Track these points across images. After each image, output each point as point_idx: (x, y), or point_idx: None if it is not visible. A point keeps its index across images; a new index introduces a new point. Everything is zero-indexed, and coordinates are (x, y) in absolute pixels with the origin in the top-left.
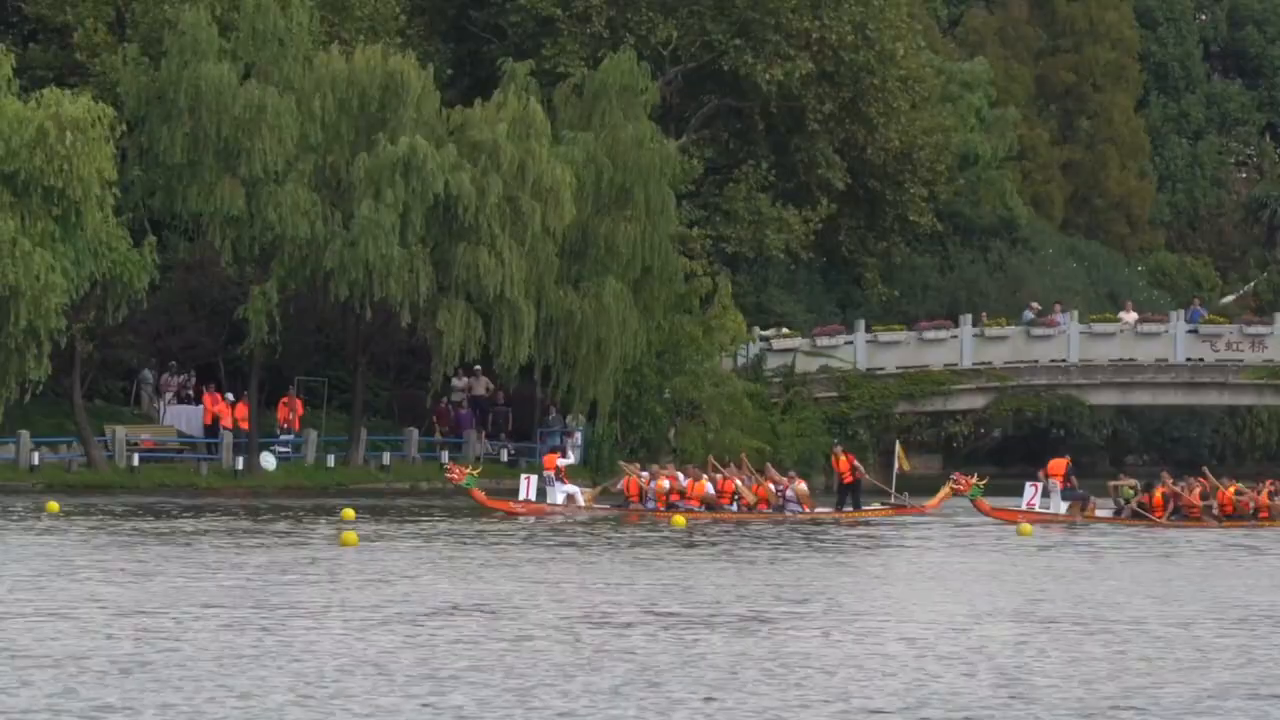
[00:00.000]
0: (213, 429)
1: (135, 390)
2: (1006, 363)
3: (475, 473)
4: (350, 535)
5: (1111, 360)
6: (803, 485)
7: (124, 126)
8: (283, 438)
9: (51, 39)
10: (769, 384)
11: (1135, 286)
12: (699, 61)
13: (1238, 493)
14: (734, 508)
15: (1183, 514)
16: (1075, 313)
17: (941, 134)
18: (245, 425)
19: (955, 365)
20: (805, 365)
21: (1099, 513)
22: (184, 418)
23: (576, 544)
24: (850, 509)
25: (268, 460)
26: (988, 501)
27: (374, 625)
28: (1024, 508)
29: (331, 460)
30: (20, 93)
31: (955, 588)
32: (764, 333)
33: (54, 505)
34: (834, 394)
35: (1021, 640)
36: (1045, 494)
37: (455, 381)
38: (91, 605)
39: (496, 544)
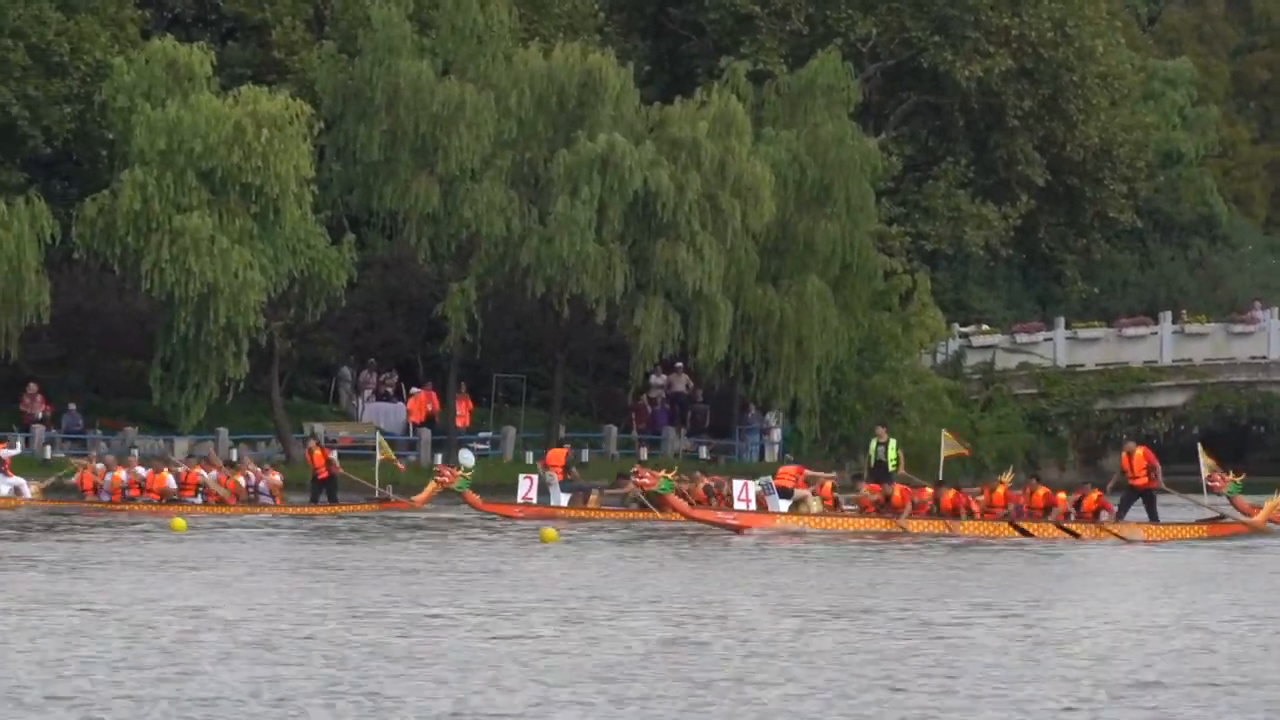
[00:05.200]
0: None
1: (334, 388)
2: (1206, 359)
3: None
4: (550, 532)
5: None
6: (277, 478)
7: (321, 124)
8: (481, 435)
9: (250, 36)
10: (968, 381)
11: None
12: (898, 58)
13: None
14: (199, 500)
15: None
16: (1276, 309)
17: (1141, 131)
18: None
19: (1155, 362)
20: (1005, 362)
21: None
22: (382, 415)
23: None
24: (329, 503)
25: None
26: (476, 495)
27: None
28: (520, 501)
29: (530, 457)
30: (218, 90)
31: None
32: (963, 330)
33: None
34: (1033, 391)
35: None
36: (543, 487)
37: (654, 379)
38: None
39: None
